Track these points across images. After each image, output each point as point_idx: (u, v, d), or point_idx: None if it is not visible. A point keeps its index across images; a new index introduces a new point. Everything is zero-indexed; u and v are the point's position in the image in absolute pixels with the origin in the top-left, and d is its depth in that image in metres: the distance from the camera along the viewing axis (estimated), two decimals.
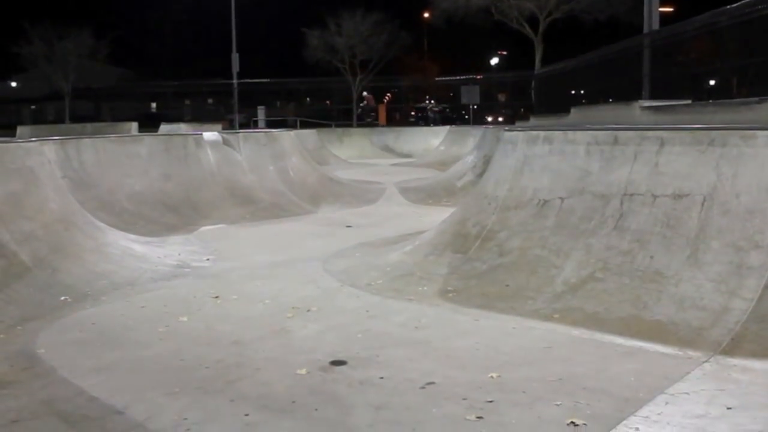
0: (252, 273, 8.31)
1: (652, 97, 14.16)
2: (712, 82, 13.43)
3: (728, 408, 4.13)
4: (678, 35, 14.33)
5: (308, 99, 47.73)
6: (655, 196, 6.30)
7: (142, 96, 50.81)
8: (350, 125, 41.22)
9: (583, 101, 20.65)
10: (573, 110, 17.00)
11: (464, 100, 41.66)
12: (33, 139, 10.97)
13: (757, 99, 8.75)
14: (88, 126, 28.39)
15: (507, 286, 6.80)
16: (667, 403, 4.22)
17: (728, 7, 11.03)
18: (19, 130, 27.80)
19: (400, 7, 50.10)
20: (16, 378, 4.92)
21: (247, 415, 4.26)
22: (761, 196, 5.52)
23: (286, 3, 68.48)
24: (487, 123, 34.44)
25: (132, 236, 9.98)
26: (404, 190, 17.65)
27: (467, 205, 9.21)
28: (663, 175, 6.33)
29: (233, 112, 40.31)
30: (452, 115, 48.71)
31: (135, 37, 57.66)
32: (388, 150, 32.84)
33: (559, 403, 4.28)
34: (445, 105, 44.89)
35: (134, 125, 26.75)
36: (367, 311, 6.52)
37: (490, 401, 4.35)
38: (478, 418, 4.13)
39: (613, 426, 4.00)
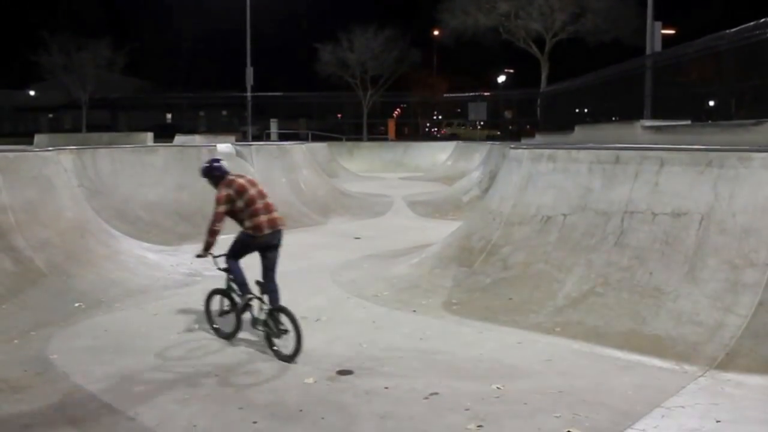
0: None
1: (654, 117, 14.26)
2: (711, 103, 13.56)
3: (718, 421, 4.27)
4: (679, 57, 14.45)
5: (319, 113, 47.87)
6: (654, 214, 6.44)
7: (157, 107, 50.94)
8: (360, 139, 41.46)
9: (588, 119, 20.77)
10: (577, 128, 17.08)
11: (472, 117, 42.08)
12: (50, 148, 11.14)
13: (753, 121, 8.86)
14: (105, 135, 28.41)
15: (510, 299, 6.93)
16: (663, 417, 4.36)
17: (728, 31, 11.18)
18: (37, 138, 28.01)
19: (410, 25, 50.41)
20: (29, 383, 5.07)
21: (255, 422, 4.41)
22: (757, 216, 5.66)
23: (299, 18, 68.99)
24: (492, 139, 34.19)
25: (146, 245, 10.17)
26: (412, 203, 17.78)
27: (473, 219, 9.36)
28: (662, 194, 6.47)
29: (247, 124, 40.56)
30: None
31: (152, 49, 57.74)
32: (397, 164, 32.98)
33: (558, 414, 4.42)
34: None
35: (149, 135, 26.85)
36: (374, 322, 6.68)
37: (492, 412, 4.50)
38: (478, 427, 4.27)
39: None
